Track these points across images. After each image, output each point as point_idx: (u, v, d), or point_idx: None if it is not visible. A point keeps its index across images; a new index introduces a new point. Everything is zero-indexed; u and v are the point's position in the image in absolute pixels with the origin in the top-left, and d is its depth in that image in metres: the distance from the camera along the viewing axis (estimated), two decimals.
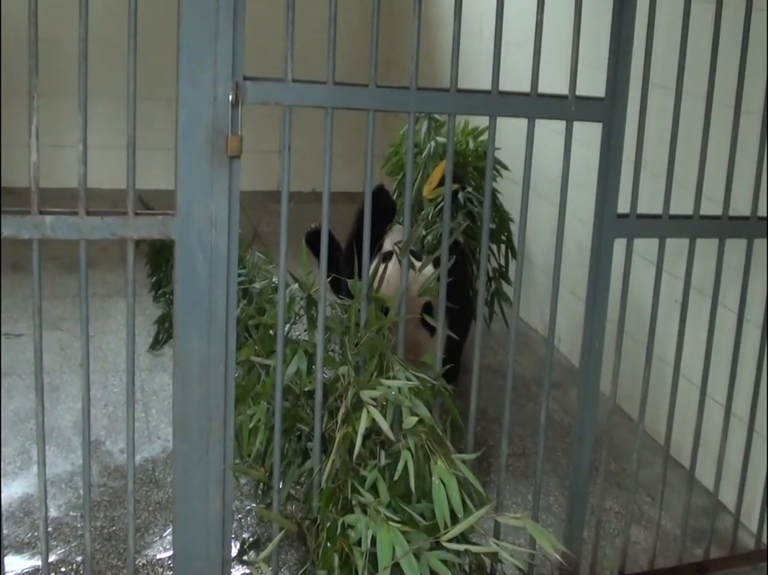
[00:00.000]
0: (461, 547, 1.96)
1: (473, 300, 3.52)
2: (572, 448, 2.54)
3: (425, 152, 3.79)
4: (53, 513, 2.88)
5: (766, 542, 2.91)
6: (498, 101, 2.23)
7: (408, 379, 2.12)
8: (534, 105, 2.27)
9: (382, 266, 2.39)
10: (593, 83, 2.33)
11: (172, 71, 1.92)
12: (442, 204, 2.57)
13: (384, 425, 2.01)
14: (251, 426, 2.34)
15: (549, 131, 2.97)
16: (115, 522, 2.89)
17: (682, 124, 2.44)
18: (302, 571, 2.21)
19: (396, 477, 2.00)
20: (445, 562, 1.93)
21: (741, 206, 2.71)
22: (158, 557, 2.74)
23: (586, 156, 2.78)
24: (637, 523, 3.06)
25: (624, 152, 2.36)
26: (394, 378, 2.13)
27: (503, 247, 3.93)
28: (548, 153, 2.93)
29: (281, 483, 2.28)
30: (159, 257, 3.84)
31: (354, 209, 3.20)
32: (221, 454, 2.10)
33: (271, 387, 2.30)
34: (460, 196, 3.61)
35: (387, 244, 3.21)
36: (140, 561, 2.69)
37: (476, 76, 4.11)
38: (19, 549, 2.72)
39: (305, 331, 2.43)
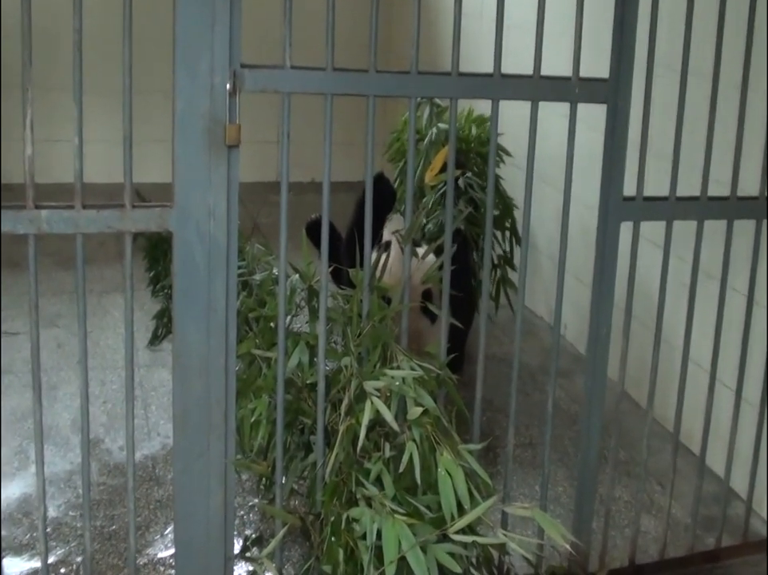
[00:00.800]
0: (469, 539, 1.93)
1: (475, 288, 3.48)
2: (580, 437, 2.52)
3: (427, 138, 3.75)
4: (51, 513, 2.85)
5: None
6: (500, 84, 2.20)
7: (412, 369, 2.09)
8: (537, 87, 2.23)
9: (384, 255, 2.36)
10: (596, 65, 2.29)
11: (168, 62, 1.89)
12: (443, 189, 2.52)
13: (388, 416, 1.98)
14: (252, 420, 2.32)
15: (553, 114, 2.92)
16: (115, 521, 2.86)
17: (688, 104, 2.40)
18: (306, 566, 2.18)
19: (401, 470, 1.98)
20: (452, 555, 1.90)
21: (748, 187, 2.66)
22: (159, 555, 2.72)
23: (590, 140, 2.74)
24: (647, 512, 3.03)
25: (629, 134, 2.32)
26: (398, 368, 2.10)
27: (507, 233, 3.90)
28: (552, 137, 2.90)
29: (284, 478, 2.26)
30: (157, 251, 3.79)
31: (354, 198, 3.17)
32: (222, 450, 2.09)
33: (272, 380, 2.27)
34: (460, 181, 3.56)
35: (386, 234, 3.17)
36: (141, 560, 2.67)
37: (477, 60, 4.06)
38: (18, 550, 2.69)
39: (306, 322, 2.40)
